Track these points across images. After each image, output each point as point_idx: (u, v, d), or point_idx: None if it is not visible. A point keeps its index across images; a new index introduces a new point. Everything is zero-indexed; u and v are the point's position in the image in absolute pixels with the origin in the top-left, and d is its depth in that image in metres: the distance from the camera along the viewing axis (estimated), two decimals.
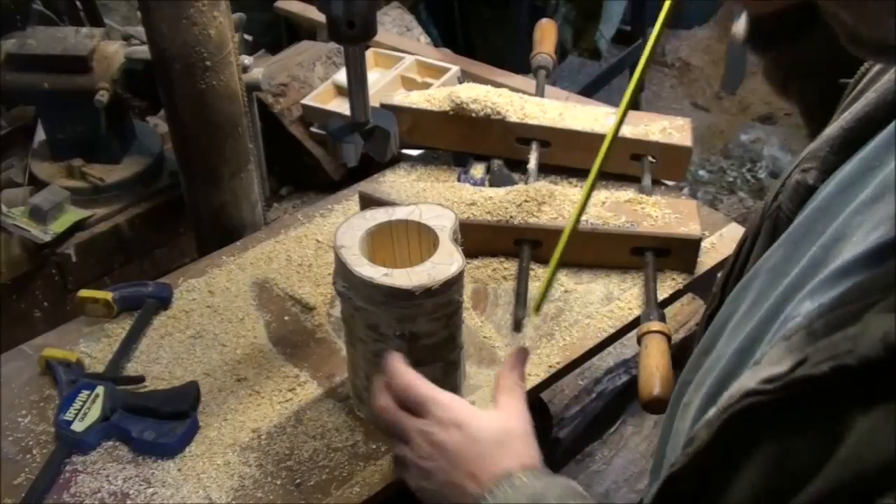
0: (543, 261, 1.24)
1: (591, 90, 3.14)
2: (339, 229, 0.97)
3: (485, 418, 0.82)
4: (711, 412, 0.64)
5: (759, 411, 0.59)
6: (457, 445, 0.80)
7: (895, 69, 0.68)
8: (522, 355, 0.90)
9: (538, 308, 1.05)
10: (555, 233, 1.21)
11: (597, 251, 1.22)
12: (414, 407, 0.84)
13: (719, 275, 0.87)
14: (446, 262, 0.91)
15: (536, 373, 1.08)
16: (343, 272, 0.93)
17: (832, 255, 0.63)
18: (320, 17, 2.14)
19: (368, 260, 0.94)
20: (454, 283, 0.90)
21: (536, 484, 0.75)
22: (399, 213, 0.99)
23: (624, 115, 0.84)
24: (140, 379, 1.08)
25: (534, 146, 1.36)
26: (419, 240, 0.99)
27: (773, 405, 0.58)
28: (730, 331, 0.74)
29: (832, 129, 0.73)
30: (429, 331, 0.92)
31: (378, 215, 0.99)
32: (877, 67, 0.74)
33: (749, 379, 0.60)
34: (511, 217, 1.21)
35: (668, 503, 0.69)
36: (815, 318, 0.58)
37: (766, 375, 0.58)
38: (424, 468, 0.82)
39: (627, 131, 1.35)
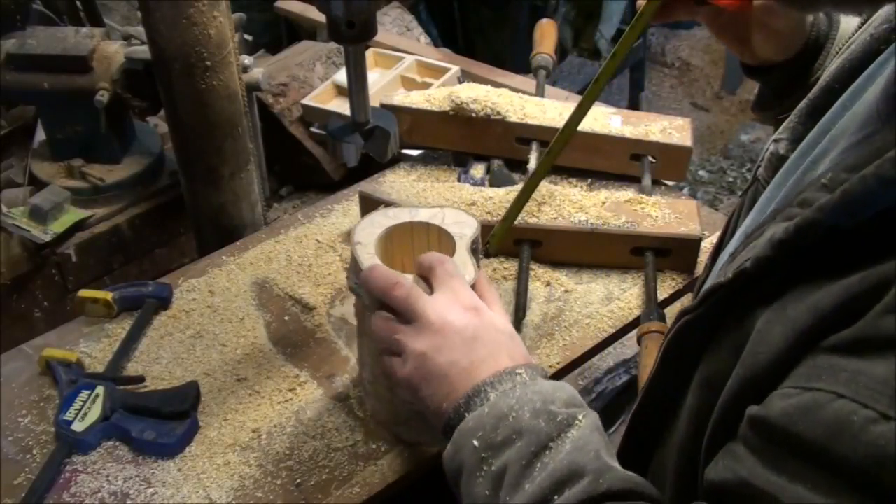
0: (543, 261, 1.24)
1: None
2: (358, 224, 0.96)
3: (499, 315, 0.84)
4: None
5: (692, 332, 0.64)
6: (474, 329, 0.79)
7: (852, 47, 0.75)
8: (486, 276, 0.93)
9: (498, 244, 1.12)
10: (555, 233, 1.21)
11: (597, 251, 1.22)
12: (439, 280, 0.84)
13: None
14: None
15: None
16: (355, 269, 0.92)
17: None
18: (320, 17, 2.14)
19: (386, 258, 0.93)
20: None
21: (544, 383, 0.75)
22: (422, 215, 0.98)
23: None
24: (140, 379, 1.08)
25: (534, 146, 1.36)
26: (439, 244, 0.98)
27: (702, 323, 0.63)
28: None
29: (802, 102, 0.79)
30: None
31: (401, 214, 0.98)
32: (846, 46, 0.80)
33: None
34: None
35: (634, 444, 0.74)
36: (738, 246, 0.65)
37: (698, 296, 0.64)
38: (435, 344, 0.78)
39: (627, 131, 1.35)
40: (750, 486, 0.53)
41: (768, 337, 0.55)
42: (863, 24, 0.84)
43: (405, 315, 0.82)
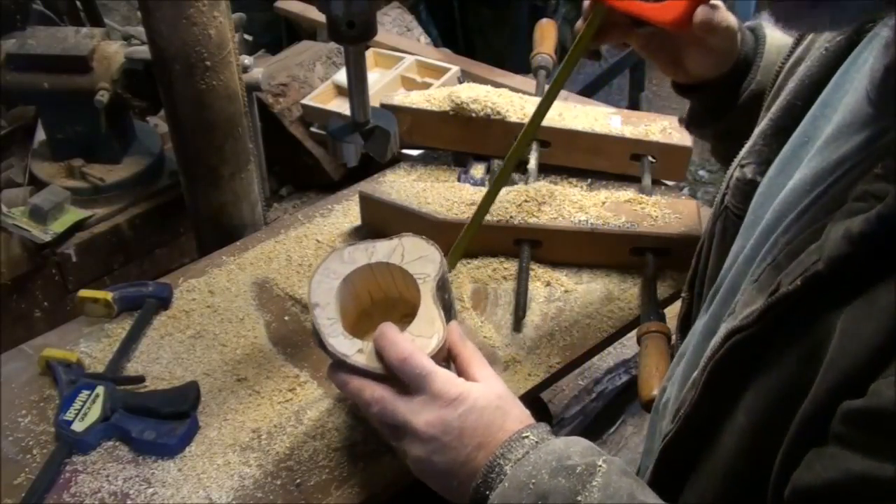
0: (543, 261, 1.24)
1: (591, 90, 3.15)
2: (314, 277, 0.92)
3: (477, 389, 0.81)
4: (695, 374, 0.66)
5: (743, 351, 0.62)
6: (459, 421, 0.78)
7: (808, 63, 0.75)
8: (459, 328, 0.89)
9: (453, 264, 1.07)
10: (555, 233, 1.21)
11: (597, 251, 1.22)
12: (410, 380, 0.82)
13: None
14: (425, 333, 0.86)
15: (536, 373, 1.08)
16: (318, 339, 0.88)
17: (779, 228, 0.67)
18: (320, 17, 2.14)
19: (351, 300, 0.90)
20: (435, 356, 0.84)
21: (556, 441, 0.74)
22: (380, 253, 0.93)
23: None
24: (140, 379, 1.08)
25: (534, 146, 1.36)
26: (405, 283, 0.94)
27: (755, 340, 0.61)
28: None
29: (762, 124, 0.79)
30: None
31: (357, 256, 0.94)
32: (790, 63, 0.80)
33: (727, 326, 0.63)
34: (511, 217, 1.21)
35: (665, 476, 0.72)
36: (777, 255, 0.62)
37: (744, 314, 0.62)
38: (428, 450, 0.79)
39: (627, 131, 1.35)
40: (866, 479, 0.51)
41: (860, 334, 0.53)
42: (798, 41, 0.84)
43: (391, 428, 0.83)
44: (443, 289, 0.91)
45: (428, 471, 0.81)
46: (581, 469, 0.69)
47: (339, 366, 0.87)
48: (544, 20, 1.57)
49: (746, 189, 0.76)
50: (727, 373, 0.64)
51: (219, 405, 1.05)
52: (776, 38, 1.00)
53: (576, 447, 0.73)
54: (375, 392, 0.83)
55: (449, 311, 0.91)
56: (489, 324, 1.15)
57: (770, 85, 0.86)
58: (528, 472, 0.72)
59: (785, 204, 0.68)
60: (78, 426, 0.99)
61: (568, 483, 0.69)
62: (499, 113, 1.35)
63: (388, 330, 0.84)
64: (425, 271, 0.91)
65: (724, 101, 1.02)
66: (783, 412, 0.58)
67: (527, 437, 0.76)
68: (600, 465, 0.69)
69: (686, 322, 0.90)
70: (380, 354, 0.84)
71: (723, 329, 0.65)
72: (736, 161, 0.81)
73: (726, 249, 0.78)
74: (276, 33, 2.62)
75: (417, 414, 0.80)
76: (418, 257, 0.93)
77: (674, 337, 1.04)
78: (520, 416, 0.80)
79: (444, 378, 0.81)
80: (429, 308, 0.88)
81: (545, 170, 1.37)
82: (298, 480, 0.96)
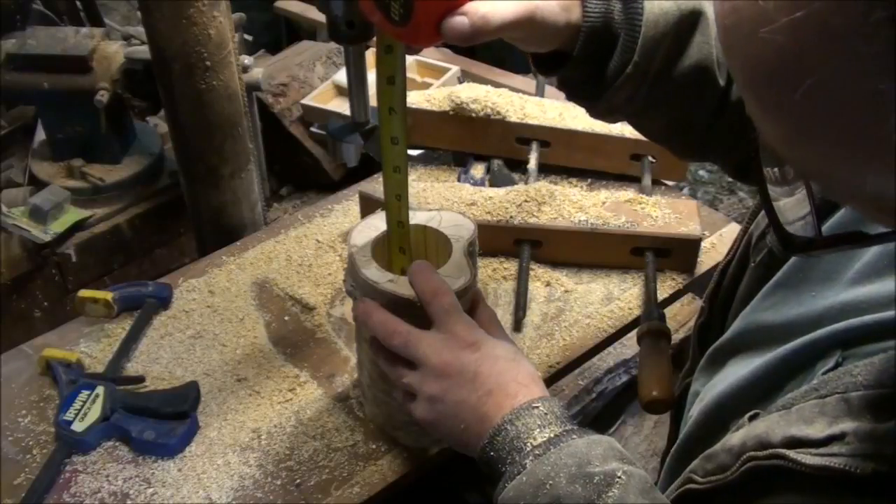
0: (543, 261, 1.24)
1: None
2: (355, 228, 0.96)
3: (493, 340, 0.84)
4: (735, 439, 0.65)
5: (783, 471, 0.60)
6: (474, 365, 0.81)
7: None
8: (482, 294, 0.93)
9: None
10: (555, 233, 1.21)
11: (597, 251, 1.22)
12: (436, 315, 0.84)
13: (707, 291, 0.90)
14: (454, 275, 0.90)
15: None
16: (352, 272, 0.93)
17: (831, 299, 0.66)
18: (320, 17, 2.14)
19: (382, 260, 0.93)
20: (459, 297, 0.87)
21: (578, 442, 0.74)
22: (419, 218, 0.97)
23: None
24: (140, 379, 1.08)
25: (534, 146, 1.36)
26: (436, 247, 0.98)
27: (797, 471, 0.59)
28: (740, 357, 0.76)
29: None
30: None
31: None
32: None
33: (777, 426, 0.61)
34: (511, 217, 1.21)
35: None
36: (850, 387, 0.59)
37: (798, 434, 0.59)
38: (442, 388, 0.81)
39: (627, 131, 1.35)
40: None
41: None
42: None
43: (408, 360, 0.84)
44: (472, 255, 0.95)
45: (437, 409, 0.82)
46: (599, 479, 0.70)
47: (367, 298, 0.89)
48: None
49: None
50: (762, 472, 0.62)
51: (219, 405, 1.05)
52: (654, 10, 0.78)
53: (597, 449, 0.73)
54: (399, 325, 0.85)
55: (475, 276, 0.95)
56: None
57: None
58: (546, 472, 0.72)
59: (849, 305, 0.64)
60: (78, 426, 0.99)
61: (584, 492, 0.69)
62: (499, 113, 1.35)
63: (424, 265, 0.87)
64: (459, 234, 0.95)
65: (590, 78, 0.81)
66: None
67: (536, 407, 0.77)
68: (619, 477, 0.70)
69: (704, 332, 0.89)
70: (413, 285, 0.86)
71: (772, 425, 0.62)
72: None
73: (765, 282, 0.76)
74: (276, 33, 2.62)
75: (437, 351, 0.82)
76: (453, 224, 0.97)
77: (674, 336, 1.03)
78: (531, 372, 0.82)
79: (466, 322, 0.84)
80: (459, 258, 0.92)
81: (545, 170, 1.38)
82: (298, 480, 0.96)
